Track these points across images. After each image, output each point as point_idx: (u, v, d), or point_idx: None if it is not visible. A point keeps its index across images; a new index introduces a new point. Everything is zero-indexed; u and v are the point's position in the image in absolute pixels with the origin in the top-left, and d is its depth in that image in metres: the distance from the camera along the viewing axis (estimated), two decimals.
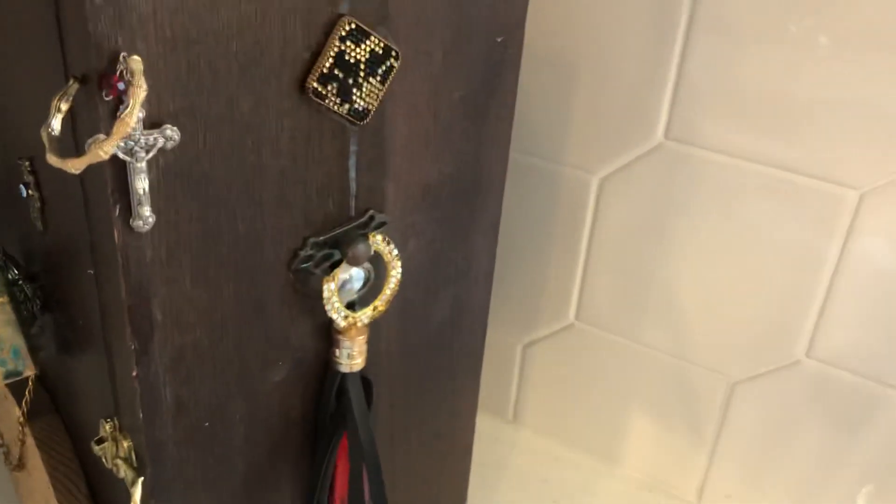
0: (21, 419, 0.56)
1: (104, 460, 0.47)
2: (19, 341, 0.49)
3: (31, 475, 0.60)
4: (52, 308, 0.50)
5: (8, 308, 0.48)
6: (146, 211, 0.36)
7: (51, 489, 0.55)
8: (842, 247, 0.65)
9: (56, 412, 0.57)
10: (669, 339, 0.76)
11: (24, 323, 0.49)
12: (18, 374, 0.49)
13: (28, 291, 0.50)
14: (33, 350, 0.50)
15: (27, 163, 0.44)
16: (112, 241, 0.37)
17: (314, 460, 0.50)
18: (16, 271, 0.50)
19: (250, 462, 0.48)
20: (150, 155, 0.35)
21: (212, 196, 0.39)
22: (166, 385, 0.42)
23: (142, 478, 0.44)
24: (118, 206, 0.36)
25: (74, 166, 0.32)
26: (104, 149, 0.31)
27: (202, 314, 0.42)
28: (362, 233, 0.45)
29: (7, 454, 0.65)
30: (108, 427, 0.46)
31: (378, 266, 0.47)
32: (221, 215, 0.40)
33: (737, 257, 0.70)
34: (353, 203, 0.45)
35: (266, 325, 0.45)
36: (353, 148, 0.43)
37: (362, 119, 0.42)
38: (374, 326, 0.48)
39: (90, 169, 0.35)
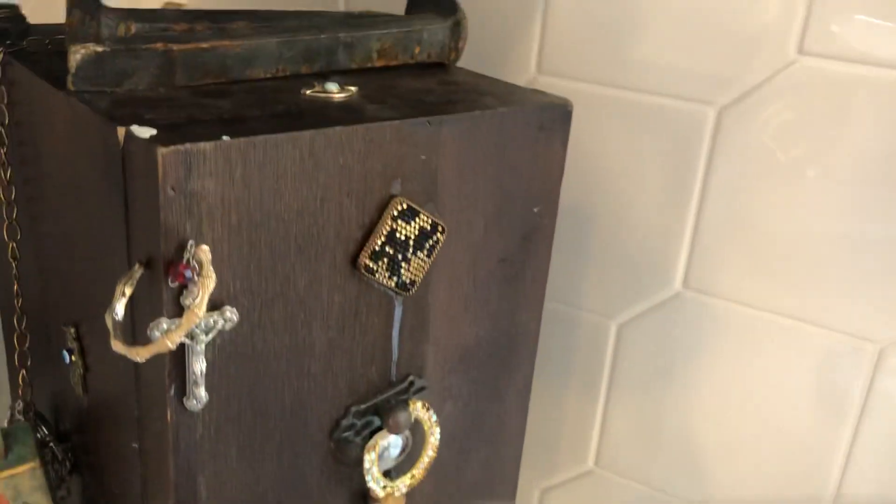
0: None
1: None
2: None
3: None
4: (81, 471, 0.50)
5: (39, 473, 0.47)
6: (201, 391, 0.36)
7: None
8: (866, 393, 0.66)
9: None
10: (690, 487, 0.75)
11: (51, 485, 0.48)
12: None
13: (58, 453, 0.49)
14: None
15: (72, 329, 0.44)
16: (164, 419, 0.37)
17: None
18: (45, 430, 0.50)
19: None
20: (210, 337, 0.36)
21: (263, 371, 0.39)
22: None
23: None
24: (173, 387, 0.36)
25: (140, 355, 0.32)
26: (172, 339, 0.32)
27: (245, 488, 0.41)
28: (402, 399, 0.45)
29: None
30: None
31: (415, 432, 0.47)
32: (271, 389, 0.40)
33: (756, 404, 0.70)
34: (394, 369, 0.45)
35: (305, 496, 0.44)
36: (397, 316, 0.44)
37: (408, 290, 0.43)
38: (408, 493, 0.48)
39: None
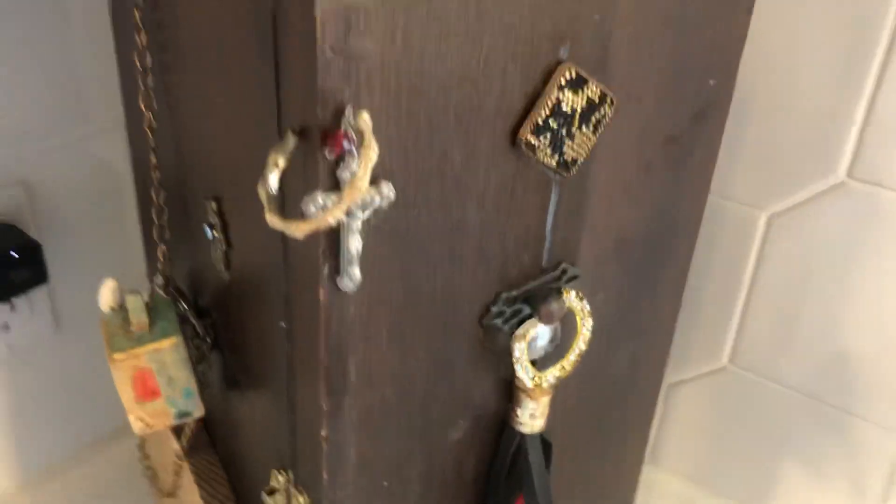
0: (180, 453, 0.55)
1: None
2: (192, 383, 0.47)
3: (182, 501, 0.59)
4: (221, 347, 0.49)
5: (182, 349, 0.47)
6: (356, 271, 0.34)
7: None
8: None
9: (213, 448, 0.56)
10: (835, 391, 0.71)
11: (191, 359, 0.48)
12: (189, 414, 0.48)
13: (198, 328, 0.49)
14: (199, 386, 0.49)
15: (213, 203, 0.43)
16: (315, 299, 0.35)
17: None
18: (185, 306, 0.49)
19: None
20: (366, 215, 0.33)
21: (415, 253, 0.37)
22: (352, 444, 0.40)
23: None
24: (327, 265, 0.34)
25: (300, 231, 0.30)
26: (333, 214, 0.29)
27: (393, 372, 0.39)
28: (554, 287, 0.42)
29: (154, 478, 0.65)
30: (281, 479, 0.45)
31: (564, 321, 0.44)
32: (422, 272, 0.37)
33: None
34: (546, 256, 0.42)
35: (452, 382, 0.42)
36: (553, 199, 0.40)
37: (569, 170, 0.39)
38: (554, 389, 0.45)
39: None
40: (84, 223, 0.73)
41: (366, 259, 0.35)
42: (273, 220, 0.31)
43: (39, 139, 0.68)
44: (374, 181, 0.33)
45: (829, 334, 0.69)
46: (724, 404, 0.78)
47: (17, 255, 0.65)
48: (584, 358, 0.47)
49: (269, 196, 0.31)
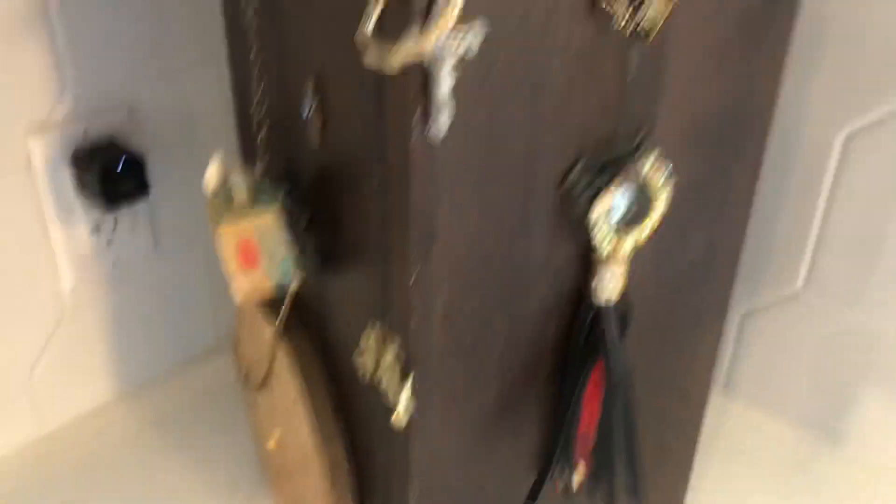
0: (275, 334, 0.59)
1: (363, 372, 0.49)
2: (289, 254, 0.51)
3: (274, 392, 0.63)
4: (315, 226, 0.53)
5: (281, 223, 0.50)
6: (444, 117, 0.37)
7: (299, 402, 0.57)
8: None
9: (306, 330, 0.60)
10: None
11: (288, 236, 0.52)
12: (286, 285, 0.52)
13: (294, 209, 0.53)
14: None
15: (311, 82, 0.46)
16: (405, 149, 0.38)
17: (562, 389, 0.50)
18: (282, 190, 0.53)
19: (502, 383, 0.49)
20: (455, 60, 0.36)
21: (498, 108, 0.39)
22: (440, 295, 0.43)
23: (407, 384, 0.45)
24: (418, 111, 0.37)
25: (395, 60, 0.33)
26: (425, 42, 0.32)
27: (477, 228, 0.42)
28: (632, 157, 0.45)
29: (246, 379, 0.70)
30: (372, 338, 0.48)
31: (641, 195, 0.46)
32: (505, 129, 0.40)
33: None
34: (624, 127, 0.44)
35: (529, 246, 0.45)
36: (632, 67, 0.42)
37: (648, 36, 0.41)
38: (629, 261, 0.47)
39: (390, 77, 0.36)
40: (182, 144, 0.78)
41: (452, 110, 0.38)
42: (370, 55, 0.34)
43: (143, 67, 0.73)
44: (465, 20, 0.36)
45: None
46: (799, 332, 0.79)
47: (122, 168, 0.70)
48: (660, 238, 0.49)
49: (367, 38, 0.34)
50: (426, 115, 0.37)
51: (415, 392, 0.46)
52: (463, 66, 0.37)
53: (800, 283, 0.77)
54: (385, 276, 0.45)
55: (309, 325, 0.60)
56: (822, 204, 0.73)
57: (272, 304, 0.61)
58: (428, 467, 0.49)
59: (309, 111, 0.47)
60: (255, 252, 0.50)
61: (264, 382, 0.64)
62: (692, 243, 0.51)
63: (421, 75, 0.36)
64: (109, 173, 0.69)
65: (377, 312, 0.47)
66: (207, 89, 0.78)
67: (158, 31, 0.73)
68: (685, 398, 0.59)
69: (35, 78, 0.67)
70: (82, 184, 0.71)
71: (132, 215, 0.77)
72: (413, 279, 0.42)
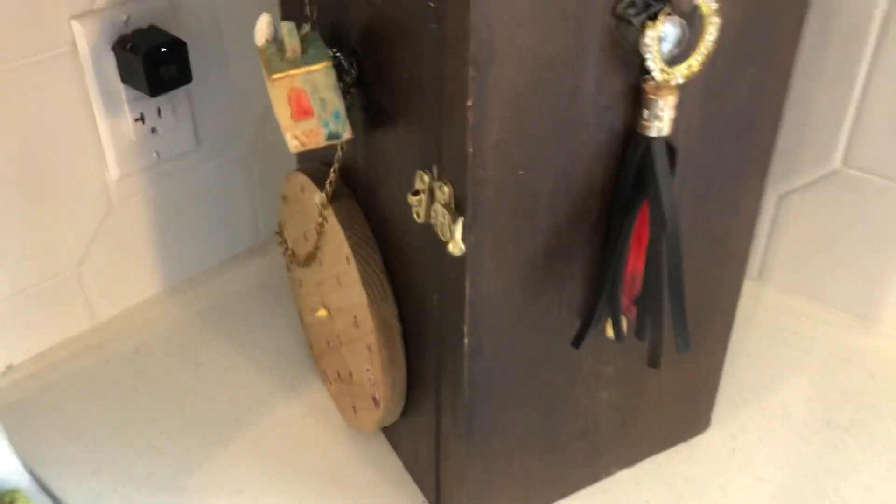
0: (323, 201, 0.60)
1: (417, 211, 0.50)
2: (341, 105, 0.52)
3: (324, 263, 0.65)
4: (365, 81, 0.54)
5: (332, 73, 0.51)
6: None
7: (350, 262, 0.59)
8: None
9: (353, 198, 0.61)
10: None
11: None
12: (338, 136, 0.53)
13: (344, 63, 0.53)
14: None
15: None
16: None
17: (611, 230, 0.51)
18: (331, 46, 0.53)
19: (552, 223, 0.50)
20: None
21: None
22: (494, 120, 0.44)
23: (461, 218, 0.46)
24: None
25: None
26: None
27: (532, 49, 0.43)
28: None
29: (293, 256, 0.71)
30: (426, 178, 0.49)
31: (692, 25, 0.46)
32: None
33: None
34: None
35: (583, 74, 0.45)
36: None
37: None
38: (679, 93, 0.48)
39: None
40: (222, 36, 0.79)
41: None
42: None
43: None
44: None
45: None
46: (837, 211, 0.79)
47: (166, 53, 0.71)
48: (709, 74, 0.49)
49: None
50: None
51: (468, 226, 0.47)
52: None
53: (838, 159, 0.77)
54: (439, 111, 0.45)
55: (355, 191, 0.61)
56: (861, 78, 0.73)
57: (317, 177, 0.62)
58: (480, 308, 0.50)
59: None
60: (306, 101, 0.51)
61: (313, 255, 0.66)
62: (739, 85, 0.52)
63: None
64: (153, 58, 0.70)
65: (430, 153, 0.48)
66: None
67: None
68: (724, 263, 0.60)
69: None
70: (126, 70, 0.72)
71: (174, 107, 0.78)
72: (470, 102, 0.42)
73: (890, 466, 0.68)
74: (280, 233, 0.73)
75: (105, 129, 0.74)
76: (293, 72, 0.51)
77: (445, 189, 0.47)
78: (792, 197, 0.81)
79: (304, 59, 0.51)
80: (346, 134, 0.53)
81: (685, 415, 0.68)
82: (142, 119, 0.76)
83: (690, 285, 0.57)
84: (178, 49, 0.72)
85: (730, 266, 0.61)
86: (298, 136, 0.52)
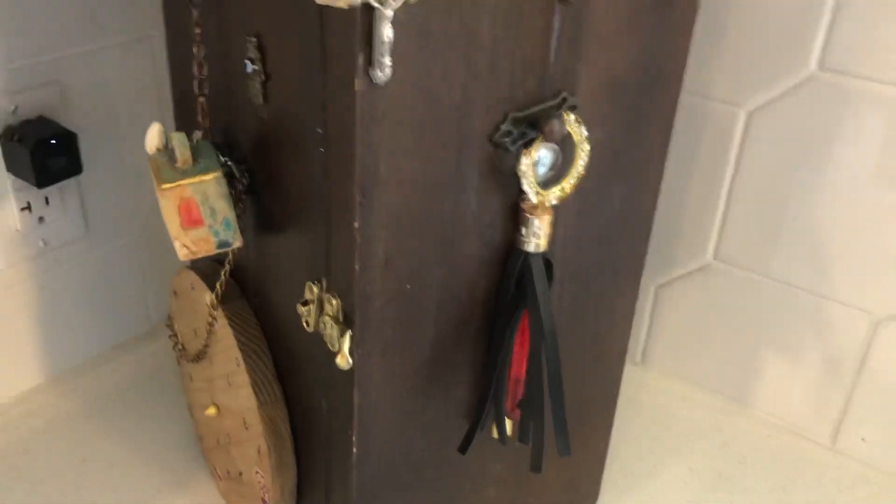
0: (213, 302, 0.60)
1: (306, 321, 0.51)
2: (231, 214, 0.53)
3: (213, 361, 0.65)
4: (257, 190, 0.55)
5: (223, 183, 0.52)
6: (387, 60, 0.40)
7: (240, 365, 0.59)
8: None
9: (243, 297, 0.61)
10: (811, 276, 0.77)
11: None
12: (228, 244, 0.53)
13: (235, 172, 0.54)
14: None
15: (254, 39, 0.48)
16: (350, 93, 0.41)
17: (493, 338, 0.53)
18: (221, 154, 0.55)
19: (439, 331, 0.51)
20: (399, 3, 0.38)
21: (436, 56, 0.42)
22: (380, 240, 0.46)
23: (349, 331, 0.48)
24: (362, 55, 0.40)
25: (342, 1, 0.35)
26: None
27: (415, 175, 0.45)
28: (556, 113, 0.48)
29: (182, 350, 0.70)
30: (315, 289, 0.50)
31: (564, 150, 0.50)
32: (442, 79, 0.43)
33: (891, 190, 0.70)
34: (548, 84, 0.48)
35: (463, 196, 0.48)
36: (556, 26, 0.46)
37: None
38: (554, 211, 0.51)
39: (336, 20, 0.39)
40: (112, 125, 0.79)
41: (393, 55, 0.40)
42: None
43: (71, 46, 0.73)
44: None
45: (806, 223, 0.75)
46: (710, 300, 0.84)
47: (55, 145, 0.71)
48: (582, 193, 0.52)
49: None
50: (369, 60, 0.40)
51: (356, 339, 0.48)
52: (404, 17, 0.39)
53: (710, 254, 0.82)
54: (327, 226, 0.47)
55: (246, 292, 0.61)
56: (728, 177, 0.78)
57: (208, 276, 0.62)
58: (368, 417, 0.51)
59: (252, 66, 0.49)
60: (197, 210, 0.52)
61: (203, 352, 0.65)
62: (611, 199, 0.55)
63: (365, 21, 0.39)
64: (41, 149, 0.70)
65: (319, 265, 0.49)
66: (136, 69, 0.79)
67: (90, 8, 0.73)
68: (603, 359, 0.63)
69: None
70: (12, 160, 0.71)
71: (62, 196, 0.77)
72: (357, 224, 0.44)
73: None
74: (170, 325, 0.72)
75: None
76: (183, 182, 0.51)
77: (334, 302, 0.49)
78: (670, 287, 0.86)
79: (195, 168, 0.52)
80: (237, 242, 0.53)
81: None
82: (28, 208, 0.74)
83: (572, 382, 0.60)
84: (67, 140, 0.72)
85: (609, 360, 0.64)
86: (188, 244, 0.52)
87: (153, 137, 0.53)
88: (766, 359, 0.83)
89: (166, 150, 0.53)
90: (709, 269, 0.83)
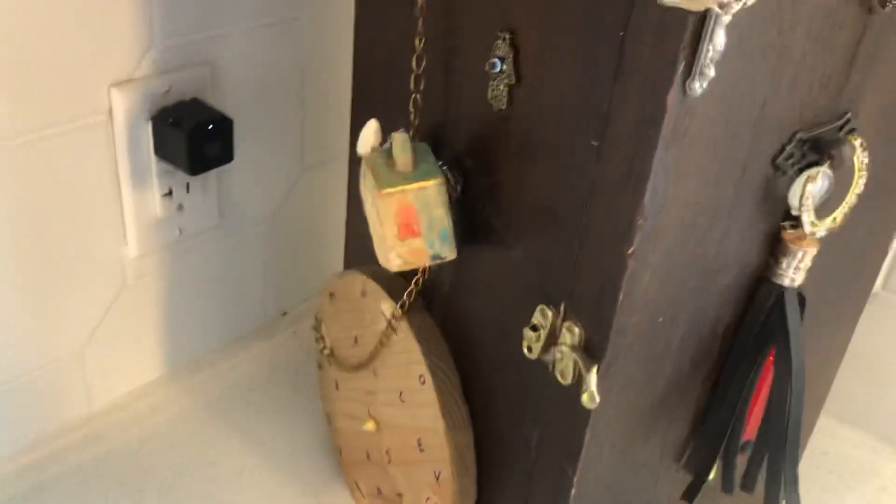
0: (396, 313, 0.55)
1: (527, 349, 0.46)
2: (449, 224, 0.48)
3: (379, 375, 0.60)
4: (470, 198, 0.50)
5: (444, 190, 0.47)
6: (712, 71, 0.35)
7: (427, 384, 0.54)
8: None
9: (427, 313, 0.57)
10: None
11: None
12: (443, 258, 0.49)
13: (449, 176, 0.50)
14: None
15: (507, 35, 0.43)
16: (658, 107, 0.36)
17: (731, 376, 0.48)
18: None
19: (676, 368, 0.47)
20: (739, 5, 0.33)
21: (747, 68, 0.37)
22: (649, 268, 0.41)
23: (596, 367, 0.43)
24: (683, 64, 0.35)
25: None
26: None
27: (698, 198, 0.40)
28: (838, 138, 0.43)
29: (331, 356, 0.66)
30: (549, 313, 0.45)
31: (837, 177, 0.45)
32: (747, 91, 0.38)
33: None
34: (838, 103, 0.43)
35: (732, 222, 0.43)
36: (864, 39, 0.41)
37: (885, 5, 0.40)
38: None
39: (650, 23, 0.34)
40: (255, 109, 0.74)
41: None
42: None
43: (221, 25, 0.68)
44: None
45: None
46: (876, 333, 0.78)
47: (211, 128, 0.66)
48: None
49: None
50: (689, 70, 0.35)
51: (600, 374, 0.43)
52: (735, 15, 0.34)
53: (879, 283, 0.77)
54: (581, 248, 0.42)
55: (433, 305, 0.57)
56: None
57: (384, 281, 0.58)
58: (593, 457, 0.47)
59: (502, 66, 0.44)
60: (415, 219, 0.47)
61: (365, 363, 0.61)
62: (858, 230, 0.50)
63: (696, 26, 0.34)
64: (198, 135, 0.65)
65: (558, 288, 0.44)
66: (280, 54, 0.74)
67: None
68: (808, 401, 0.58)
69: (124, 28, 0.62)
70: (164, 144, 0.66)
71: (204, 183, 0.72)
72: (631, 250, 0.39)
73: None
74: (317, 328, 0.68)
75: (130, 204, 0.68)
76: (407, 187, 0.47)
77: (576, 331, 0.44)
78: None
79: (417, 173, 0.47)
80: (451, 255, 0.49)
81: None
82: (170, 194, 0.70)
83: None
84: (223, 126, 0.67)
85: (814, 398, 0.59)
86: (403, 254, 0.48)
87: (369, 136, 0.48)
88: None
89: (382, 150, 0.48)
90: (876, 298, 0.77)
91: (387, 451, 0.62)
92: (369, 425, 0.62)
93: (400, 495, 0.61)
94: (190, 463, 0.72)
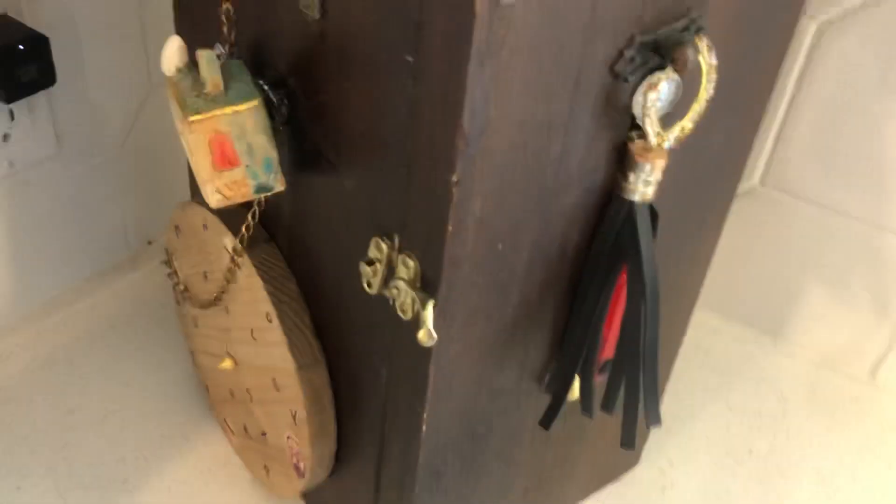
0: (237, 248, 0.51)
1: (367, 284, 0.43)
2: (272, 152, 0.43)
3: (230, 310, 0.56)
4: (298, 120, 0.45)
5: (262, 113, 0.42)
6: None
7: (273, 321, 0.51)
8: None
9: (273, 245, 0.52)
10: (869, 206, 0.71)
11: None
12: (269, 189, 0.44)
13: (272, 97, 0.44)
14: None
15: None
16: (466, 16, 0.31)
17: (584, 298, 0.46)
18: (255, 75, 0.45)
19: (524, 294, 0.44)
20: None
21: None
22: (479, 196, 0.37)
23: (432, 301, 0.40)
24: None
25: None
26: None
27: (526, 115, 0.36)
28: (682, 40, 0.40)
29: (185, 292, 0.62)
30: (384, 247, 0.42)
31: (685, 81, 0.41)
32: None
33: None
34: (677, 5, 0.39)
35: (570, 138, 0.39)
36: None
37: None
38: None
39: None
40: (79, 24, 0.66)
41: None
42: None
43: None
44: None
45: (871, 150, 0.69)
46: (753, 228, 0.78)
47: (23, 49, 0.59)
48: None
49: None
50: None
51: (438, 309, 0.40)
52: None
53: (757, 177, 0.76)
54: (409, 176, 0.38)
55: (278, 238, 0.52)
56: (788, 95, 0.71)
57: (225, 215, 0.53)
58: (442, 392, 0.44)
59: None
60: (231, 148, 0.42)
61: (216, 299, 0.57)
62: (714, 136, 0.47)
63: None
64: (9, 57, 0.58)
65: (390, 219, 0.40)
66: None
67: None
68: (676, 307, 0.57)
69: None
70: None
71: (30, 109, 0.65)
72: (455, 178, 0.36)
73: (812, 497, 0.68)
74: (168, 262, 0.63)
75: None
76: (216, 112, 0.41)
77: (411, 264, 0.40)
78: None
79: (228, 95, 0.42)
80: (279, 186, 0.44)
81: (617, 453, 0.66)
82: None
83: None
84: (38, 45, 0.60)
85: (680, 308, 0.58)
86: (221, 188, 0.43)
87: (172, 55, 0.42)
88: (809, 291, 0.78)
89: (188, 71, 0.43)
90: (754, 193, 0.76)
91: (247, 390, 0.58)
92: (227, 363, 0.59)
93: (264, 434, 0.58)
94: (46, 412, 0.67)
